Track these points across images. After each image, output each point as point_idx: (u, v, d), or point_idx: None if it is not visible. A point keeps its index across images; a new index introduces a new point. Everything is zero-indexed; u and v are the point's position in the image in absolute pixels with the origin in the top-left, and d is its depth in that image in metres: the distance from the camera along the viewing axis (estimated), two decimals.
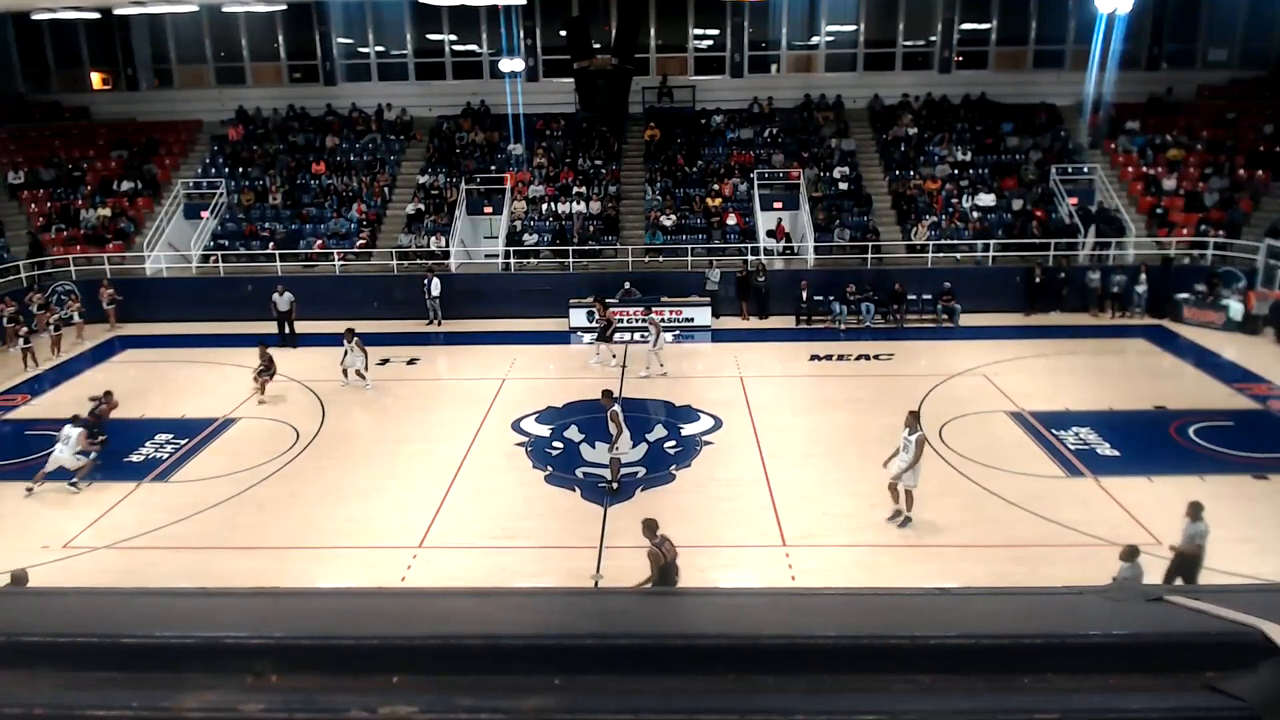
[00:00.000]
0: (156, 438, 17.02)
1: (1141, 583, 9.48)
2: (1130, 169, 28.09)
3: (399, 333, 24.37)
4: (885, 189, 28.41)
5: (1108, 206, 26.58)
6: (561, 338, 23.93)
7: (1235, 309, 22.95)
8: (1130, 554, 9.95)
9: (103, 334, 24.41)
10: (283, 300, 23.29)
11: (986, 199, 27.37)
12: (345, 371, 19.51)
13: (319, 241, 27.01)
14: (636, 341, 23.07)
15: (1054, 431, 16.37)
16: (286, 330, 23.33)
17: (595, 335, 21.92)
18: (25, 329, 21.91)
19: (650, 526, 10.13)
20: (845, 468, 15.10)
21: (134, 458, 16.19)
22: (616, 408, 14.34)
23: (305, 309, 25.23)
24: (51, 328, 22.62)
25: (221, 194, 28.76)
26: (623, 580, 11.67)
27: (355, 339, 19.33)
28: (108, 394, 16.89)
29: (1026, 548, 12.46)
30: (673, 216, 27.41)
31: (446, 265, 26.36)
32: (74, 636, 1.54)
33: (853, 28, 32.11)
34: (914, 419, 13.14)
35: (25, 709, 1.35)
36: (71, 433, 14.81)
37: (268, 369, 19.16)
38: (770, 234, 26.87)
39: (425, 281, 24.84)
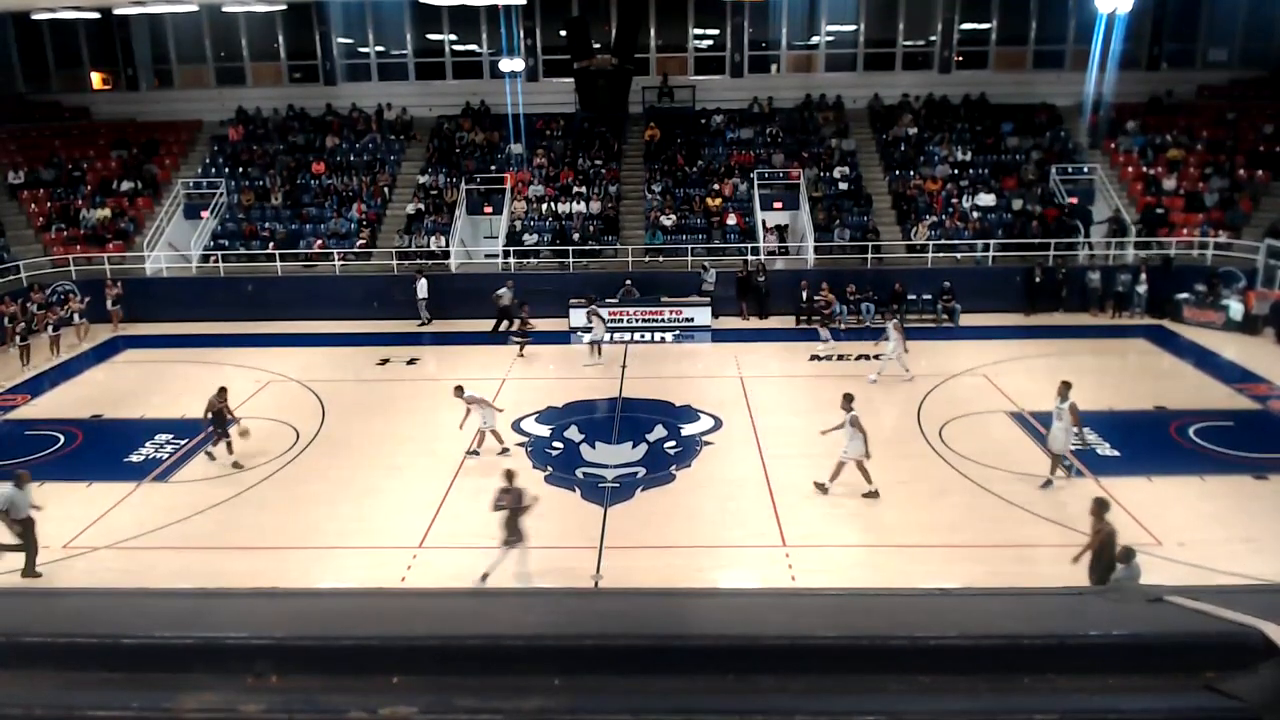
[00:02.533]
0: (156, 438, 17.02)
1: (1139, 583, 9.47)
2: (1130, 169, 28.08)
3: (399, 333, 24.39)
4: (885, 189, 28.40)
5: (1115, 208, 26.58)
6: (562, 338, 23.92)
7: (1235, 309, 22.94)
8: (1126, 555, 9.93)
9: (107, 334, 24.39)
10: (506, 295, 23.53)
11: (986, 199, 27.36)
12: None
13: (319, 241, 27.01)
14: (639, 341, 23.12)
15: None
16: (503, 327, 23.52)
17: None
18: (22, 325, 21.88)
19: (1101, 505, 10.68)
20: (845, 467, 15.07)
21: (134, 458, 16.19)
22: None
23: (305, 309, 25.29)
24: (50, 328, 22.62)
25: (221, 194, 28.76)
26: (623, 580, 11.68)
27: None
28: (222, 390, 16.06)
29: (1026, 548, 12.46)
30: (673, 216, 27.41)
31: (446, 265, 26.37)
32: (74, 636, 1.54)
33: (853, 28, 32.11)
34: (1065, 387, 13.90)
35: (25, 709, 1.35)
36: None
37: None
38: (770, 229, 26.93)
39: (414, 283, 24.83)
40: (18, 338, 21.67)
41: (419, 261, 25.93)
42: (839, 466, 13.95)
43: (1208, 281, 23.94)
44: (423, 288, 24.77)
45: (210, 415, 15.65)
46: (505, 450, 15.78)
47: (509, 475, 11.77)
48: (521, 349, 21.93)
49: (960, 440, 16.02)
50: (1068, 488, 14.24)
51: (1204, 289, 23.81)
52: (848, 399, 13.98)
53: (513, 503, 11.42)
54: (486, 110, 31.33)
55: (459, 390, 15.96)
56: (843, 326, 23.76)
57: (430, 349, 23.20)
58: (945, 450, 15.74)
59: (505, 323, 23.61)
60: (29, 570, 11.96)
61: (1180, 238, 25.68)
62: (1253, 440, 15.93)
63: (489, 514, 13.78)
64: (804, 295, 24.40)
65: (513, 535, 11.44)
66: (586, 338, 21.78)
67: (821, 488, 14.01)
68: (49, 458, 16.41)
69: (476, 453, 15.70)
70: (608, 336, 21.90)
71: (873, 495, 13.80)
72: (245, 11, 29.03)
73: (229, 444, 15.79)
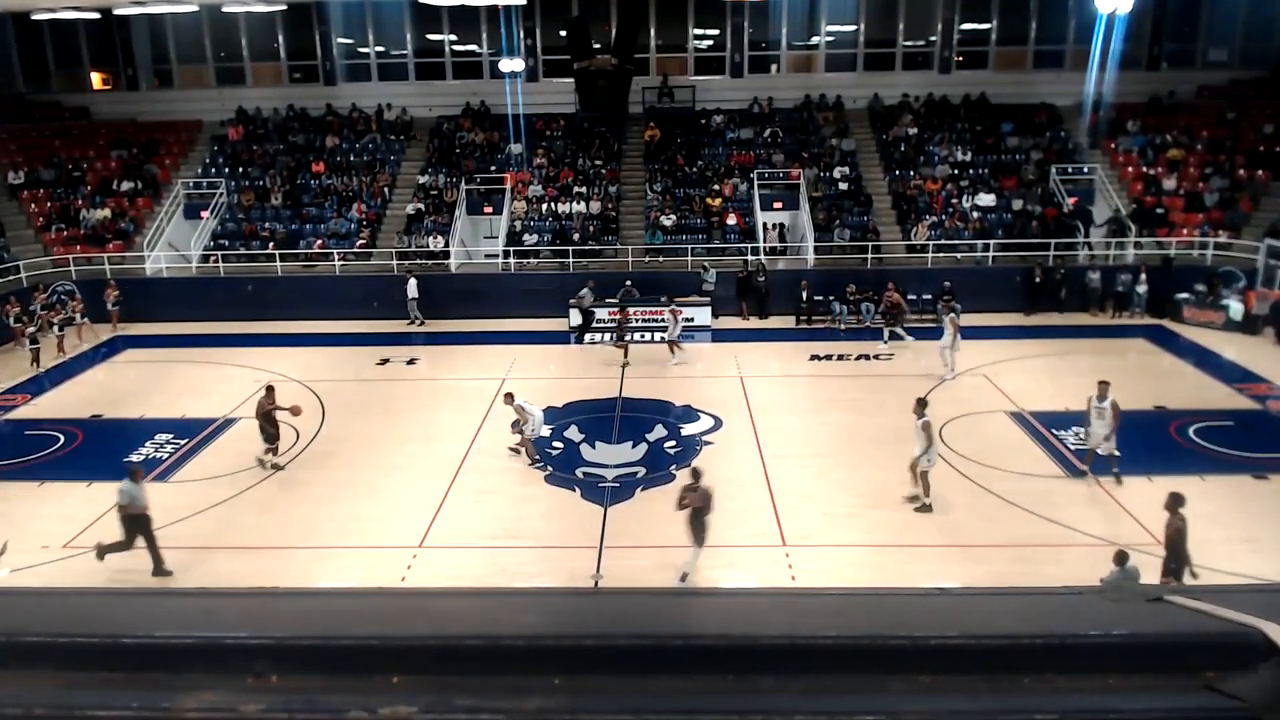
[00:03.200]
0: (156, 438, 17.01)
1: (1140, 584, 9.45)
2: (1130, 169, 28.08)
3: (399, 333, 24.40)
4: (885, 189, 28.40)
5: (1115, 208, 26.58)
6: (561, 338, 23.92)
7: (1235, 309, 22.94)
8: (1120, 559, 9.88)
9: (105, 334, 24.39)
10: (588, 297, 23.59)
11: (986, 199, 27.36)
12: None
13: (319, 241, 27.01)
14: (645, 341, 23.11)
15: (1054, 431, 16.37)
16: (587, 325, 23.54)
17: (614, 335, 21.89)
18: (32, 328, 21.93)
19: (1176, 499, 10.71)
20: (845, 468, 15.10)
21: (134, 457, 16.16)
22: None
23: (305, 309, 25.29)
24: (56, 328, 22.63)
25: (221, 194, 28.76)
26: (622, 580, 11.68)
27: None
28: (269, 389, 15.69)
29: (1026, 548, 12.46)
30: (673, 216, 27.41)
31: (446, 265, 26.37)
32: (74, 636, 1.54)
33: (853, 28, 32.10)
34: (1104, 386, 14.23)
35: (25, 709, 1.35)
36: None
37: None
38: (773, 227, 26.98)
39: (404, 283, 24.75)
40: (28, 340, 21.71)
41: (409, 262, 25.89)
42: (919, 473, 13.62)
43: (1208, 281, 23.94)
44: (413, 288, 24.71)
45: (261, 418, 15.20)
46: (537, 462, 15.50)
47: (695, 474, 11.65)
48: (625, 353, 21.23)
49: (960, 440, 16.02)
50: (1068, 488, 14.24)
51: (1204, 289, 23.80)
52: (921, 404, 13.71)
53: (698, 501, 11.37)
54: (486, 110, 31.33)
55: (509, 397, 15.77)
56: (843, 327, 23.77)
57: (430, 349, 23.18)
58: (945, 450, 15.72)
59: (587, 325, 23.58)
60: (159, 569, 11.93)
61: (1180, 238, 25.69)
62: (1253, 440, 15.93)
63: (488, 514, 13.84)
64: (804, 295, 24.40)
65: (700, 534, 11.39)
66: (661, 336, 21.30)
67: (914, 499, 13.62)
68: (49, 458, 16.41)
69: (526, 455, 15.59)
70: (678, 333, 21.35)
71: (915, 500, 13.61)
72: (245, 11, 29.02)
73: (273, 448, 15.40)
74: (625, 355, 21.08)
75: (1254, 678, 1.38)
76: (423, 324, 24.84)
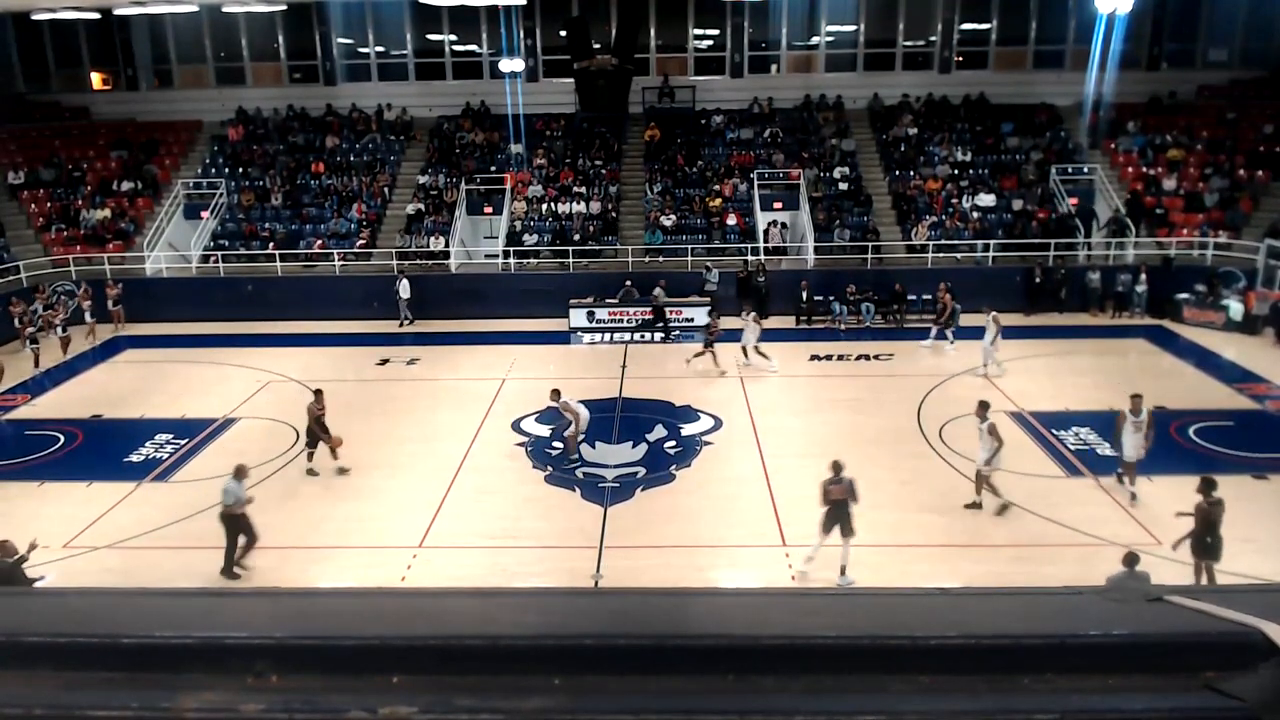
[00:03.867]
0: (156, 438, 17.02)
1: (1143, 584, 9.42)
2: (1130, 169, 28.08)
3: (399, 333, 24.41)
4: (885, 189, 28.40)
5: (1115, 208, 26.60)
6: (561, 338, 23.92)
7: (1235, 309, 22.94)
8: (1130, 560, 9.80)
9: (108, 334, 24.41)
10: (661, 294, 23.53)
11: (986, 199, 27.37)
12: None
13: (319, 241, 27.01)
14: (645, 341, 23.14)
15: (1054, 431, 16.37)
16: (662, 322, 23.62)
17: (704, 344, 20.64)
18: (33, 329, 21.92)
19: (1208, 484, 10.77)
20: (988, 475, 14.99)
21: (134, 458, 16.19)
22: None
23: (305, 309, 25.30)
24: (59, 328, 22.64)
25: (221, 194, 28.77)
26: (623, 580, 11.68)
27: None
28: (318, 394, 15.44)
29: (1026, 548, 12.46)
30: (673, 216, 27.41)
31: (446, 265, 26.38)
32: (74, 636, 1.54)
33: (853, 28, 32.11)
34: (1138, 400, 13.86)
35: (25, 709, 1.35)
36: None
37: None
38: (770, 226, 26.99)
39: (396, 283, 24.69)
40: (28, 340, 21.70)
41: (406, 262, 25.88)
42: (983, 478, 13.55)
43: (1208, 281, 23.94)
44: (404, 288, 24.67)
45: (313, 421, 14.93)
46: (575, 461, 15.46)
47: (837, 467, 11.67)
48: (715, 360, 20.39)
49: (960, 440, 16.01)
50: (1068, 488, 14.25)
51: (1204, 289, 23.81)
52: (984, 406, 13.64)
53: (843, 494, 11.50)
54: (486, 110, 31.33)
55: (555, 394, 15.74)
56: (843, 327, 23.77)
57: (430, 349, 23.17)
58: (945, 450, 15.74)
59: (662, 322, 23.58)
60: (229, 570, 11.89)
61: (1180, 238, 25.69)
62: (1253, 440, 15.94)
63: (488, 514, 13.84)
64: (804, 295, 24.41)
65: (846, 525, 11.53)
66: (739, 343, 20.79)
67: (974, 505, 13.56)
68: (49, 458, 16.42)
69: (578, 459, 15.49)
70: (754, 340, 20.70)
71: (974, 506, 13.50)
72: (245, 11, 29.03)
73: (326, 448, 15.19)
74: (715, 362, 20.39)
75: (1254, 678, 1.38)
76: (412, 323, 24.78)
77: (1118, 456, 14.17)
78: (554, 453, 16.06)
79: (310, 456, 15.28)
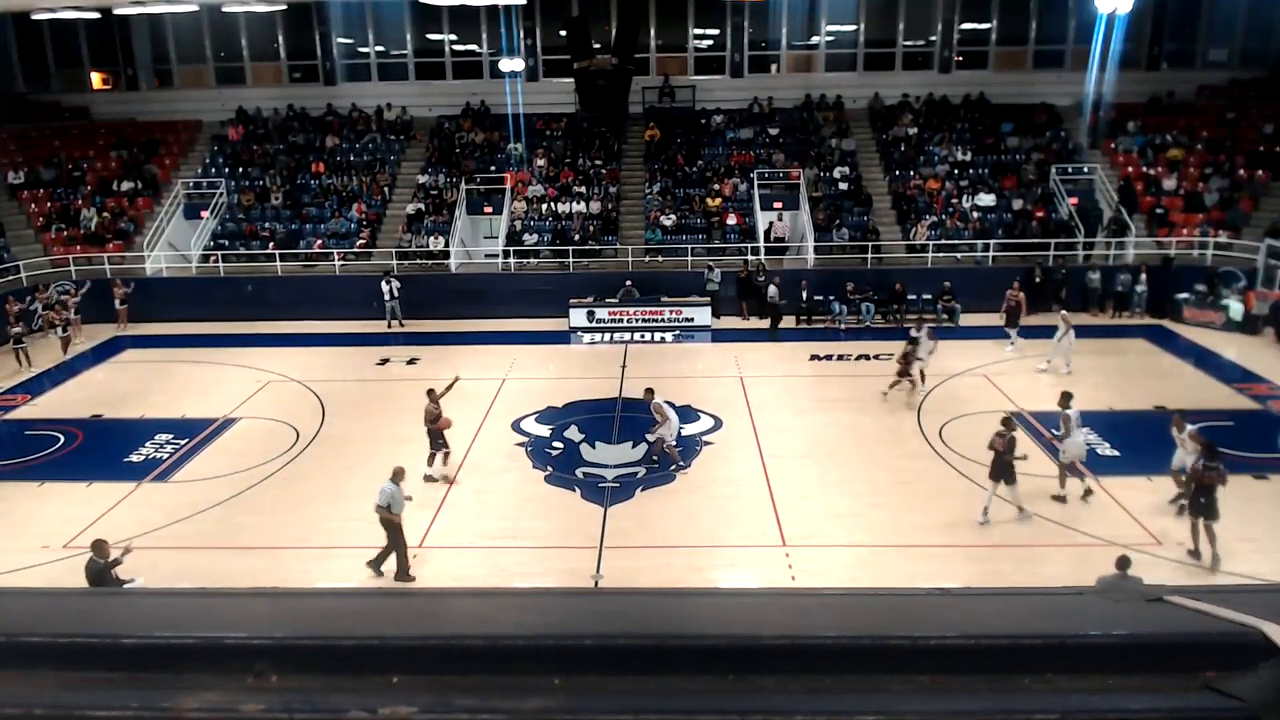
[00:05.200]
0: (156, 438, 17.02)
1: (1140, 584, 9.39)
2: (1130, 169, 28.08)
3: (399, 333, 24.40)
4: (885, 189, 28.40)
5: (1115, 208, 26.60)
6: (561, 338, 23.93)
7: (1235, 309, 22.94)
8: (1122, 564, 9.78)
9: (112, 333, 24.39)
10: (775, 292, 23.49)
11: (986, 199, 27.36)
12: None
13: (319, 241, 27.01)
14: (644, 341, 23.13)
15: (1054, 432, 16.32)
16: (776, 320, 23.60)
17: (898, 373, 18.20)
18: (19, 329, 21.84)
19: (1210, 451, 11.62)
20: (845, 468, 15.10)
21: (134, 458, 16.19)
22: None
23: (305, 309, 25.30)
24: (60, 328, 22.62)
25: (221, 194, 28.77)
26: (623, 580, 11.68)
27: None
28: (430, 392, 15.28)
29: (1026, 548, 12.46)
30: (673, 216, 27.41)
31: (446, 265, 26.38)
32: (74, 636, 1.54)
33: (853, 28, 32.10)
34: (1181, 419, 13.76)
35: (25, 709, 1.35)
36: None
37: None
38: (769, 233, 26.98)
39: (384, 284, 24.46)
40: (12, 340, 21.62)
41: (387, 263, 25.79)
42: (1062, 469, 13.75)
43: (1208, 281, 23.94)
44: (390, 289, 24.50)
45: (430, 422, 14.73)
46: (682, 466, 15.20)
47: (1007, 422, 13.07)
48: (918, 381, 18.55)
49: (960, 440, 16.02)
50: (1068, 488, 14.23)
51: (1204, 289, 23.80)
52: (1066, 397, 13.80)
53: (1002, 445, 12.88)
54: (486, 110, 31.33)
55: (649, 393, 15.78)
56: (843, 327, 23.77)
57: (430, 349, 23.15)
58: (945, 450, 15.74)
59: (777, 321, 23.51)
60: (404, 574, 11.80)
61: (1180, 237, 25.69)
62: (1253, 440, 15.93)
63: (488, 514, 13.83)
64: (804, 295, 24.41)
65: (1009, 475, 12.93)
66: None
67: (1061, 499, 13.71)
68: (49, 458, 16.42)
69: (668, 454, 15.33)
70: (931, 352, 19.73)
71: (1060, 500, 13.69)
72: (245, 11, 29.02)
73: (446, 455, 15.02)
74: (920, 383, 18.51)
75: (1254, 678, 1.38)
76: (402, 325, 24.61)
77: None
78: (554, 453, 16.06)
79: (431, 460, 14.90)
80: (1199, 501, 11.69)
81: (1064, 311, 20.01)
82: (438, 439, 14.86)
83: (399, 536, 11.82)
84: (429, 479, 14.77)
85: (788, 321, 24.48)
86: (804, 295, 24.40)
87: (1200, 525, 11.75)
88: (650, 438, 15.38)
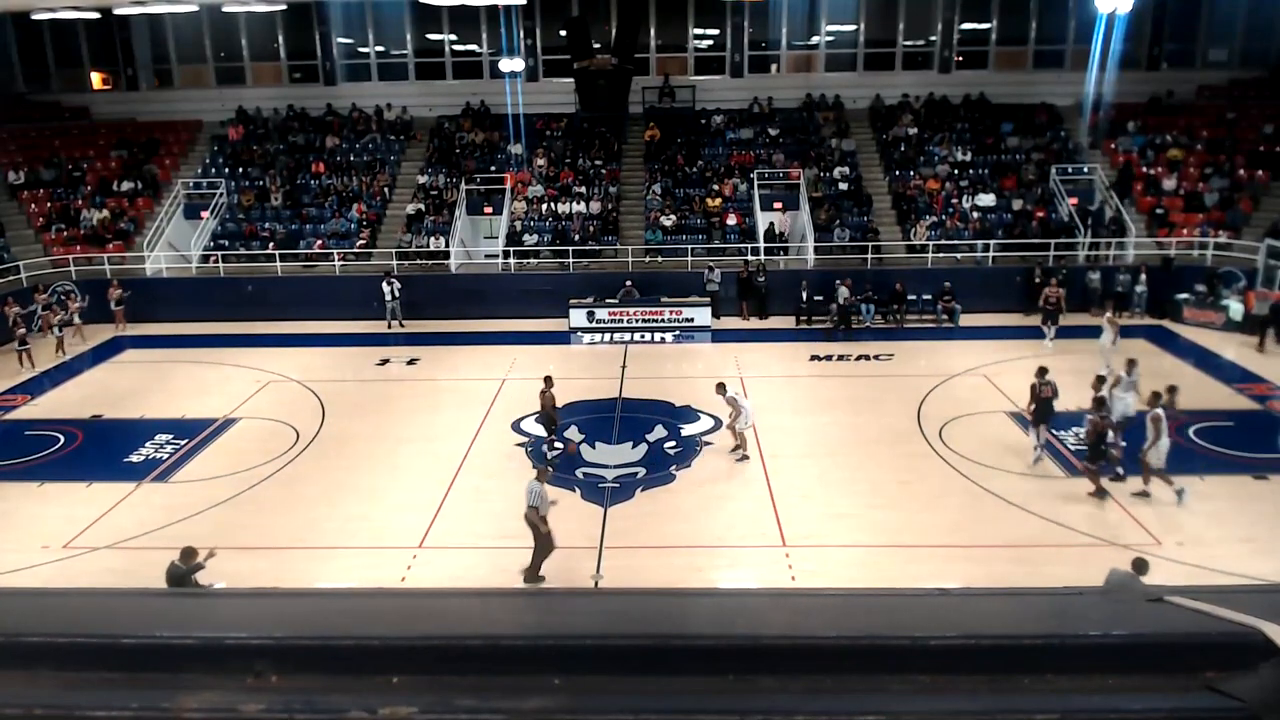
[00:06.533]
0: (156, 438, 17.02)
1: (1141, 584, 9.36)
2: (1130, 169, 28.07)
3: (399, 333, 24.40)
4: (885, 189, 28.40)
5: (1115, 208, 26.60)
6: (561, 338, 23.92)
7: (1235, 309, 22.93)
8: (1140, 566, 9.67)
9: (109, 334, 24.40)
10: (845, 292, 23.51)
11: (986, 199, 27.36)
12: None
13: (319, 241, 27.01)
14: (644, 341, 23.12)
15: (1054, 431, 16.35)
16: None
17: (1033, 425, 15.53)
18: (21, 330, 21.86)
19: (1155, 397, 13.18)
20: (845, 468, 15.10)
21: (134, 458, 16.19)
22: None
23: (305, 309, 25.30)
24: (55, 329, 22.63)
25: (221, 194, 28.77)
26: (623, 580, 11.68)
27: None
28: (547, 379, 15.99)
29: (1026, 548, 12.46)
30: (673, 216, 27.41)
31: (446, 265, 26.38)
32: (74, 636, 1.54)
33: (853, 28, 32.11)
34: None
35: (25, 709, 1.35)
36: None
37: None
38: (770, 231, 26.98)
39: (384, 284, 24.40)
40: (16, 342, 21.65)
41: (388, 263, 25.78)
42: (1146, 466, 13.72)
43: (1208, 281, 23.94)
44: (391, 289, 24.50)
45: (546, 411, 15.43)
46: (744, 456, 15.44)
47: (1099, 403, 13.95)
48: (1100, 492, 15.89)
49: (960, 440, 16.02)
50: (1068, 488, 14.25)
51: (1204, 289, 23.80)
52: (1156, 396, 13.80)
53: (1048, 391, 14.39)
54: (486, 110, 31.34)
55: (721, 388, 15.75)
56: (841, 327, 23.75)
57: (430, 349, 23.16)
58: (945, 450, 15.74)
59: (845, 325, 23.37)
60: (534, 575, 11.66)
61: (1180, 238, 25.68)
62: (1253, 440, 15.93)
63: (488, 514, 13.83)
64: (803, 295, 24.41)
65: (1048, 416, 14.49)
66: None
67: (1144, 495, 13.75)
68: (49, 458, 16.42)
69: (747, 456, 15.44)
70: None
71: (1143, 495, 13.73)
72: (245, 11, 29.02)
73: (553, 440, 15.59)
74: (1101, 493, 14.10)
75: (1254, 678, 1.38)
76: (402, 326, 24.59)
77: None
78: (554, 453, 16.05)
79: (551, 445, 15.57)
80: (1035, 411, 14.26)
81: (1109, 314, 19.77)
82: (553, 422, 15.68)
83: (546, 538, 11.62)
84: (551, 464, 14.93)
85: (787, 322, 24.48)
86: (804, 295, 24.39)
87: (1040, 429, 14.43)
88: (738, 424, 15.45)
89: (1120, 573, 9.63)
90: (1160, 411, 13.48)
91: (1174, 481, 13.49)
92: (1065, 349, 21.76)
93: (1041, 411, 14.75)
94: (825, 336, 23.06)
